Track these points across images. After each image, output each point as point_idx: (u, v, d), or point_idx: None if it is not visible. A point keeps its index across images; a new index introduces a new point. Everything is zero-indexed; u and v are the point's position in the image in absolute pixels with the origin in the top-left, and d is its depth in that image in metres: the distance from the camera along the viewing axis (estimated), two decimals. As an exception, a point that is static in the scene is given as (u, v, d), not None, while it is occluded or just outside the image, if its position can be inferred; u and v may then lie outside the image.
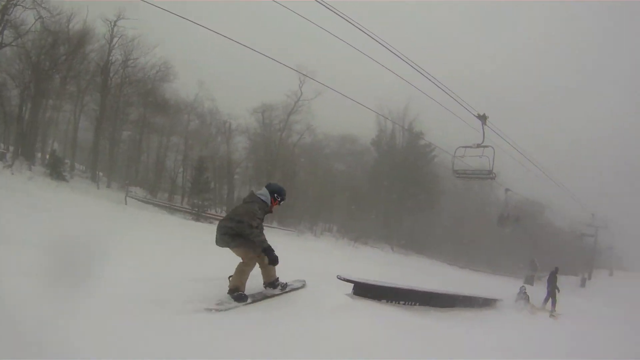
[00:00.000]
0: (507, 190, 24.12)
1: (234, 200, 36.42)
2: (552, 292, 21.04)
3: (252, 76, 39.17)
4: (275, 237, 26.28)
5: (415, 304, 10.88)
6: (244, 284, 7.01)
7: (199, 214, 29.91)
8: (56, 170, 25.85)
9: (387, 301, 9.93)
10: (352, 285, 9.22)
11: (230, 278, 7.05)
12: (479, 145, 17.24)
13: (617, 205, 49.60)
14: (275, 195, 7.46)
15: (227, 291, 6.93)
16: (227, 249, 7.12)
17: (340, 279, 8.88)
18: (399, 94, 35.56)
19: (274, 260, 6.99)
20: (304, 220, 37.11)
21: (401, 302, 10.43)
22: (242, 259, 7.08)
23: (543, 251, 44.60)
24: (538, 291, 24.02)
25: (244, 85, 40.01)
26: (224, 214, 32.67)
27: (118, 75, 30.38)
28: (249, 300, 7.00)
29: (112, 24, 29.22)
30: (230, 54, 29.11)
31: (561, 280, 24.23)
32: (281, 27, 39.33)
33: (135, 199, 28.76)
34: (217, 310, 6.45)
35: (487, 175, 18.22)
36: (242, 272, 7.01)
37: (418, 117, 40.66)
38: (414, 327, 8.35)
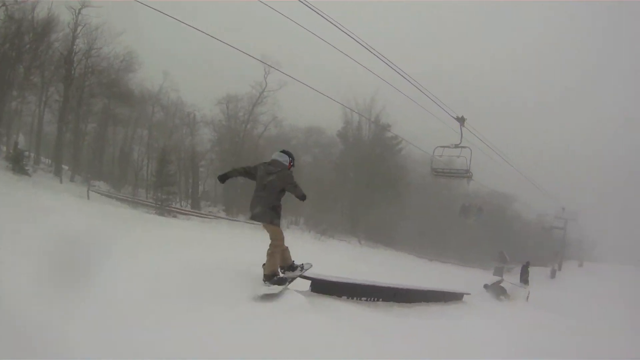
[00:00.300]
0: (469, 180, 24.75)
1: (198, 193, 36.99)
2: (524, 284, 23.16)
3: (218, 66, 39.17)
4: (241, 230, 27.03)
5: (378, 300, 10.75)
6: (277, 268, 7.57)
7: (162, 208, 29.69)
8: (18, 164, 25.45)
9: (348, 298, 9.82)
10: (309, 282, 9.11)
11: (264, 265, 7.60)
12: (456, 146, 18.28)
13: (587, 199, 51.47)
14: (291, 159, 7.81)
15: (262, 279, 7.44)
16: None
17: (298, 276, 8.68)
18: (366, 86, 36.29)
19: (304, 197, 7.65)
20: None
21: (363, 299, 10.32)
22: (274, 237, 7.59)
23: (512, 243, 46.10)
24: (507, 283, 24.85)
25: (209, 76, 40.15)
26: (188, 208, 33.24)
27: (82, 65, 29.98)
28: (287, 282, 7.76)
29: (77, 12, 28.94)
30: (196, 43, 29.35)
31: (532, 272, 25.57)
32: (247, 16, 39.51)
33: (99, 193, 28.57)
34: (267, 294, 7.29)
35: (465, 174, 19.32)
36: (274, 255, 7.57)
37: (385, 109, 41.39)
38: (374, 324, 8.25)
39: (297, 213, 40.49)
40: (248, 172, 7.69)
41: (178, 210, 31.35)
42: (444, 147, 18.97)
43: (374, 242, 40.67)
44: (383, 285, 11.38)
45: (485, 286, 22.12)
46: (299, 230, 36.99)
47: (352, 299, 9.90)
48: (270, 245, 7.59)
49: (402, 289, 12.16)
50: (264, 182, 7.45)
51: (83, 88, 30.03)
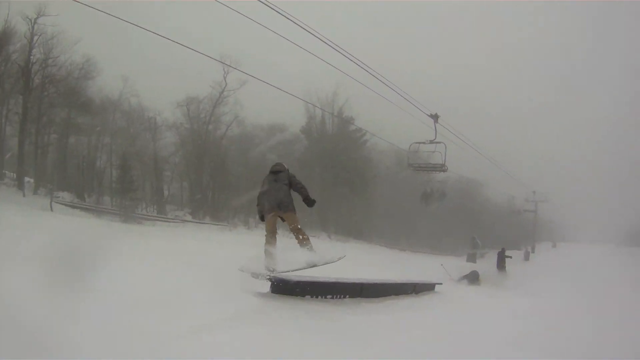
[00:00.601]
0: (431, 166, 25.04)
1: (163, 197, 37.23)
2: (501, 271, 24.45)
3: (177, 69, 39.34)
4: (206, 232, 27.27)
5: (344, 297, 10.67)
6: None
7: (127, 215, 29.95)
8: (-21, 179, 25.21)
9: (312, 297, 9.67)
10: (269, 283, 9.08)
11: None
12: (431, 141, 19.60)
13: (558, 182, 53.14)
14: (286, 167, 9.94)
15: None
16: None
17: (254, 277, 8.86)
18: (329, 80, 37.50)
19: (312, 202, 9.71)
20: (239, 213, 37.75)
21: (328, 297, 10.20)
22: (294, 221, 9.41)
23: (484, 228, 47.43)
24: (481, 269, 25.42)
25: (169, 79, 39.72)
26: (155, 213, 33.83)
27: (39, 75, 30.16)
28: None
29: (32, 21, 29.05)
30: (154, 46, 29.03)
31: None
32: (204, 16, 39.85)
33: (62, 204, 28.61)
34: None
35: (440, 168, 20.76)
36: (306, 236, 9.63)
37: (348, 102, 42.24)
38: (335, 324, 8.20)
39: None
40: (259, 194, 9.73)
41: (143, 216, 31.64)
42: (419, 143, 20.47)
43: (344, 236, 41.04)
44: (348, 281, 11.15)
45: (461, 278, 22.55)
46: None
47: (316, 298, 9.81)
48: (294, 230, 9.55)
49: (369, 284, 12.05)
50: (275, 179, 9.44)
51: (42, 99, 30.13)
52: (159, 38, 12.70)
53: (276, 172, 9.63)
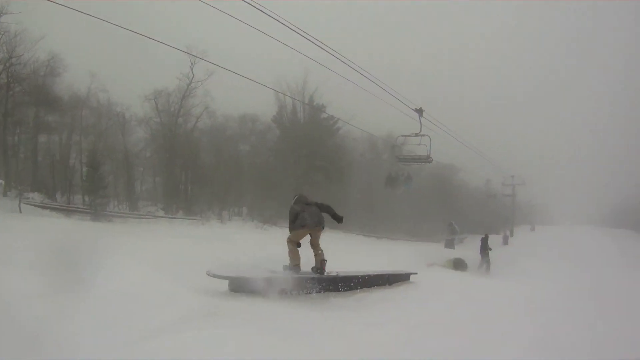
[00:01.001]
0: (393, 146, 24.66)
1: (135, 193, 37.50)
2: (484, 257, 24.53)
3: (144, 62, 40.51)
4: (177, 227, 27.30)
5: (311, 292, 10.68)
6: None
7: (97, 213, 29.73)
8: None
9: (275, 293, 9.61)
10: (227, 281, 9.41)
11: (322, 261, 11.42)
12: (417, 134, 20.75)
13: (539, 166, 54.83)
14: None
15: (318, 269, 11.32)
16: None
17: (210, 275, 8.96)
18: (299, 69, 38.69)
19: (341, 219, 11.92)
20: (213, 206, 38.11)
21: (293, 293, 10.17)
22: (319, 237, 11.44)
23: (462, 213, 48.60)
24: (458, 254, 26.16)
25: (136, 72, 40.85)
26: (126, 210, 34.21)
27: (4, 74, 29.93)
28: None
29: None
30: (120, 40, 30.08)
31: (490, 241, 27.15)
32: (169, 7, 40.03)
33: (33, 205, 28.62)
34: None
35: (426, 160, 21.96)
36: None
37: (318, 90, 43.09)
38: (295, 324, 7.62)
39: (239, 204, 41.59)
40: (296, 212, 11.27)
41: (114, 213, 31.69)
42: (405, 136, 21.58)
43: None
44: (315, 275, 11.22)
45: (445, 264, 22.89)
46: (242, 221, 37.65)
47: (280, 294, 9.72)
48: (316, 244, 11.43)
49: (338, 277, 11.89)
50: (306, 202, 11.38)
51: (7, 98, 30.08)
52: (125, 31, 12.64)
53: (308, 202, 11.46)
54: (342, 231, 38.99)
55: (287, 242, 11.14)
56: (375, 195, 44.43)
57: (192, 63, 36.21)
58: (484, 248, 25.03)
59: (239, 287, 9.40)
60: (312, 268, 11.36)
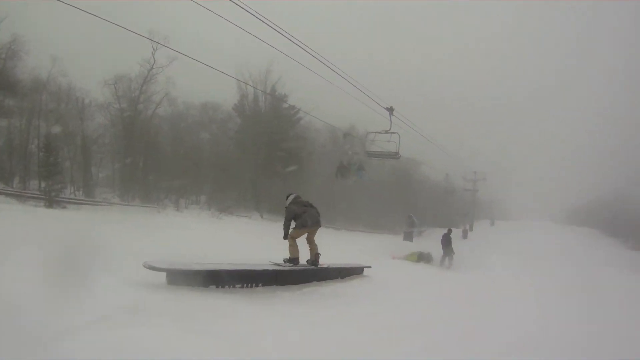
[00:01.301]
0: (346, 134, 24.92)
1: (92, 179, 37.40)
2: (447, 252, 25.27)
3: (106, 47, 40.85)
4: (132, 215, 26.73)
5: (256, 286, 10.52)
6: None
7: (51, 199, 28.95)
8: None
9: (218, 287, 9.52)
10: (164, 273, 8.84)
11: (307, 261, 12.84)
12: (386, 132, 21.94)
13: (501, 162, 56.75)
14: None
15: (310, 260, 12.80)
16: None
17: (147, 267, 8.42)
18: (263, 57, 39.10)
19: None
20: (171, 194, 38.08)
21: (237, 286, 10.05)
22: (315, 235, 12.97)
23: (422, 206, 49.87)
24: (418, 247, 27.58)
25: (98, 57, 40.80)
26: (82, 197, 33.98)
27: None
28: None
29: None
30: (82, 24, 30.40)
31: (441, 233, 27.70)
32: None
33: None
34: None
35: (394, 156, 23.20)
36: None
37: (281, 79, 43.55)
38: (232, 321, 7.39)
39: (198, 192, 42.08)
40: (295, 212, 12.67)
41: (68, 200, 30.97)
42: (375, 132, 22.79)
43: (277, 216, 36.88)
44: (260, 268, 11.03)
45: (407, 257, 24.03)
46: (199, 210, 37.35)
47: (222, 287, 9.63)
48: (312, 240, 12.96)
49: (287, 270, 11.88)
50: (304, 204, 12.86)
51: None
52: (88, 15, 12.22)
53: (308, 204, 13.02)
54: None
55: (289, 238, 12.46)
56: (335, 186, 43.18)
57: (153, 49, 36.15)
58: (447, 242, 25.61)
59: (177, 280, 8.89)
60: (307, 261, 12.83)
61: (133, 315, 6.51)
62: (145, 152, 38.91)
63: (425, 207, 52.89)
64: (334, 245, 23.23)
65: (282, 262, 12.19)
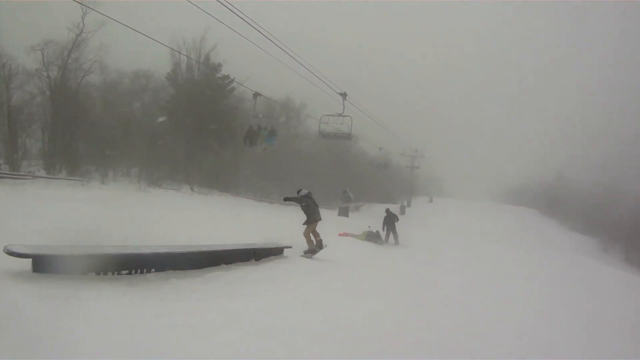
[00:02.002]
0: (256, 94, 24.08)
1: (17, 151, 36.31)
2: (390, 230, 26.95)
3: (35, 11, 40.10)
4: (54, 189, 25.74)
5: (148, 272, 9.50)
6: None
7: None
8: None
9: (99, 273, 8.63)
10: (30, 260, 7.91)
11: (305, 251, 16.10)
12: (340, 115, 24.19)
13: (439, 145, 59.62)
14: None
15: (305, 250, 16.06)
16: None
17: (8, 253, 7.61)
18: (198, 25, 40.29)
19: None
20: (101, 166, 38.19)
21: (123, 272, 9.03)
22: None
23: (358, 181, 51.79)
24: (353, 223, 29.64)
25: (26, 22, 40.26)
26: (7, 170, 32.94)
27: None
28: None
29: None
30: None
31: (377, 209, 30.15)
32: None
33: None
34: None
35: (347, 137, 25.70)
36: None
37: (216, 48, 44.62)
38: (106, 319, 6.59)
39: (130, 164, 42.30)
40: (308, 205, 16.54)
41: None
42: (329, 115, 25.09)
43: (209, 189, 41.86)
44: (150, 251, 9.93)
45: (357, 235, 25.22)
46: (127, 182, 37.60)
47: (104, 274, 8.74)
48: (316, 230, 16.32)
49: (186, 253, 10.89)
50: (313, 201, 16.60)
51: None
52: None
53: (312, 199, 16.64)
54: (231, 195, 43.18)
55: (306, 235, 16.18)
56: (269, 159, 45.28)
57: (83, 12, 36.23)
58: (390, 222, 27.04)
59: (45, 267, 8.01)
60: (313, 245, 16.27)
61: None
62: (74, 122, 38.42)
63: (363, 182, 55.22)
64: (267, 220, 25.62)
65: (303, 253, 15.79)
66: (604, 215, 56.91)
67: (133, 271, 9.29)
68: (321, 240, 16.26)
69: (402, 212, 46.89)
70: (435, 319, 9.80)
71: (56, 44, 37.60)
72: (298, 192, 16.86)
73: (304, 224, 16.26)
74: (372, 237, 25.34)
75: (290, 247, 15.43)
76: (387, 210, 27.84)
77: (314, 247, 16.11)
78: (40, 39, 36.86)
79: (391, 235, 26.97)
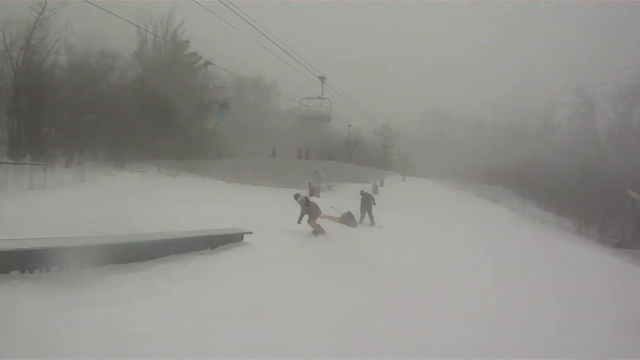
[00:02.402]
0: (207, 63, 24.50)
1: None
2: (366, 211, 27.99)
3: None
4: (13, 174, 26.34)
5: (82, 267, 8.96)
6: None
7: None
8: None
9: (24, 270, 8.20)
10: None
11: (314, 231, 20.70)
12: (319, 97, 25.50)
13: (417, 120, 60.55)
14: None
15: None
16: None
17: None
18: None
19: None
20: (67, 150, 37.52)
21: (52, 269, 8.61)
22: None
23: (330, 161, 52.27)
24: (324, 203, 28.53)
25: None
26: None
27: None
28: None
29: None
30: None
31: (351, 188, 32.53)
32: None
33: None
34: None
35: (326, 119, 27.28)
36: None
37: (183, 25, 44.75)
38: (25, 325, 6.45)
39: (96, 147, 41.15)
40: (306, 207, 21.18)
41: None
42: (309, 98, 26.40)
43: (177, 170, 41.84)
44: (81, 243, 9.35)
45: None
46: (94, 166, 36.90)
47: (31, 272, 8.29)
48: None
49: (129, 243, 10.46)
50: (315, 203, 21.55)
51: None
52: None
53: (307, 200, 21.12)
54: (200, 175, 43.59)
55: (313, 224, 20.87)
56: (242, 138, 46.45)
57: None
58: (367, 203, 28.01)
59: None
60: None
61: None
62: (40, 104, 38.12)
63: (336, 161, 54.98)
64: (239, 202, 26.85)
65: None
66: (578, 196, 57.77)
67: (66, 266, 8.79)
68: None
69: (375, 191, 45.44)
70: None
71: (18, 23, 37.11)
72: (296, 197, 20.97)
73: (308, 221, 20.90)
74: (345, 219, 26.31)
75: (251, 232, 15.04)
76: (362, 192, 28.68)
77: (321, 229, 20.70)
78: (0, 18, 36.26)
79: (367, 216, 27.82)
